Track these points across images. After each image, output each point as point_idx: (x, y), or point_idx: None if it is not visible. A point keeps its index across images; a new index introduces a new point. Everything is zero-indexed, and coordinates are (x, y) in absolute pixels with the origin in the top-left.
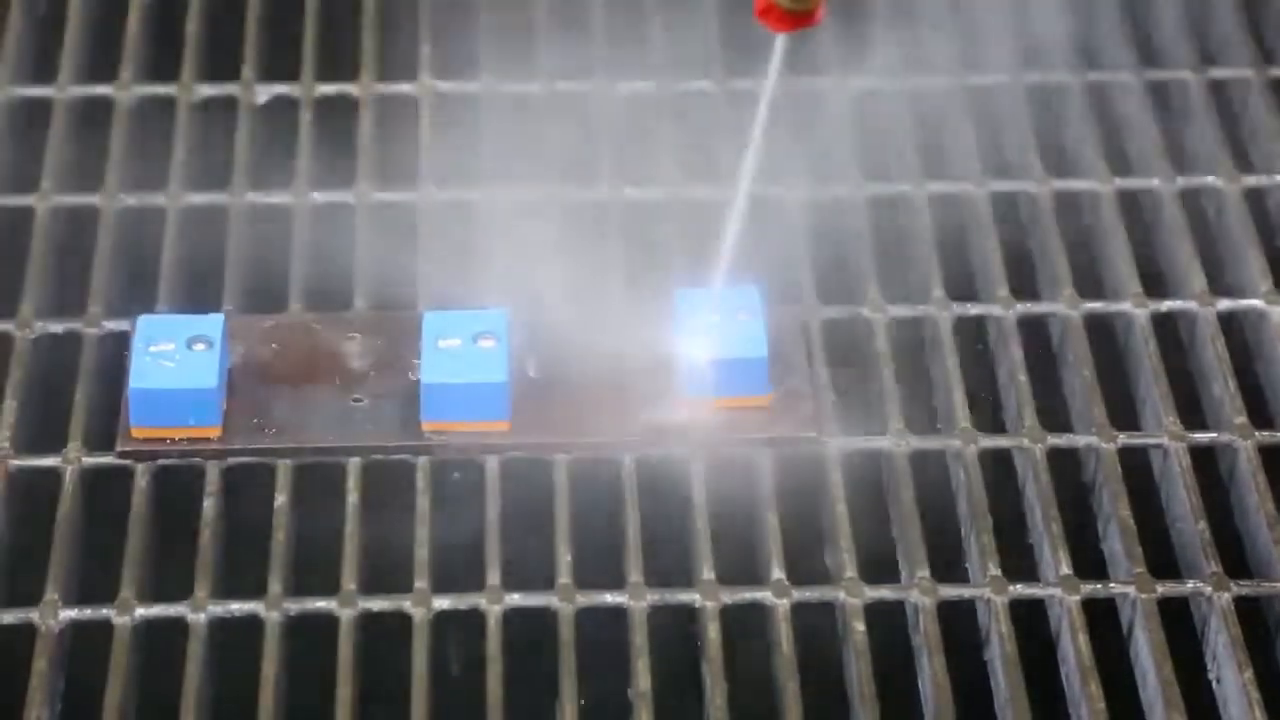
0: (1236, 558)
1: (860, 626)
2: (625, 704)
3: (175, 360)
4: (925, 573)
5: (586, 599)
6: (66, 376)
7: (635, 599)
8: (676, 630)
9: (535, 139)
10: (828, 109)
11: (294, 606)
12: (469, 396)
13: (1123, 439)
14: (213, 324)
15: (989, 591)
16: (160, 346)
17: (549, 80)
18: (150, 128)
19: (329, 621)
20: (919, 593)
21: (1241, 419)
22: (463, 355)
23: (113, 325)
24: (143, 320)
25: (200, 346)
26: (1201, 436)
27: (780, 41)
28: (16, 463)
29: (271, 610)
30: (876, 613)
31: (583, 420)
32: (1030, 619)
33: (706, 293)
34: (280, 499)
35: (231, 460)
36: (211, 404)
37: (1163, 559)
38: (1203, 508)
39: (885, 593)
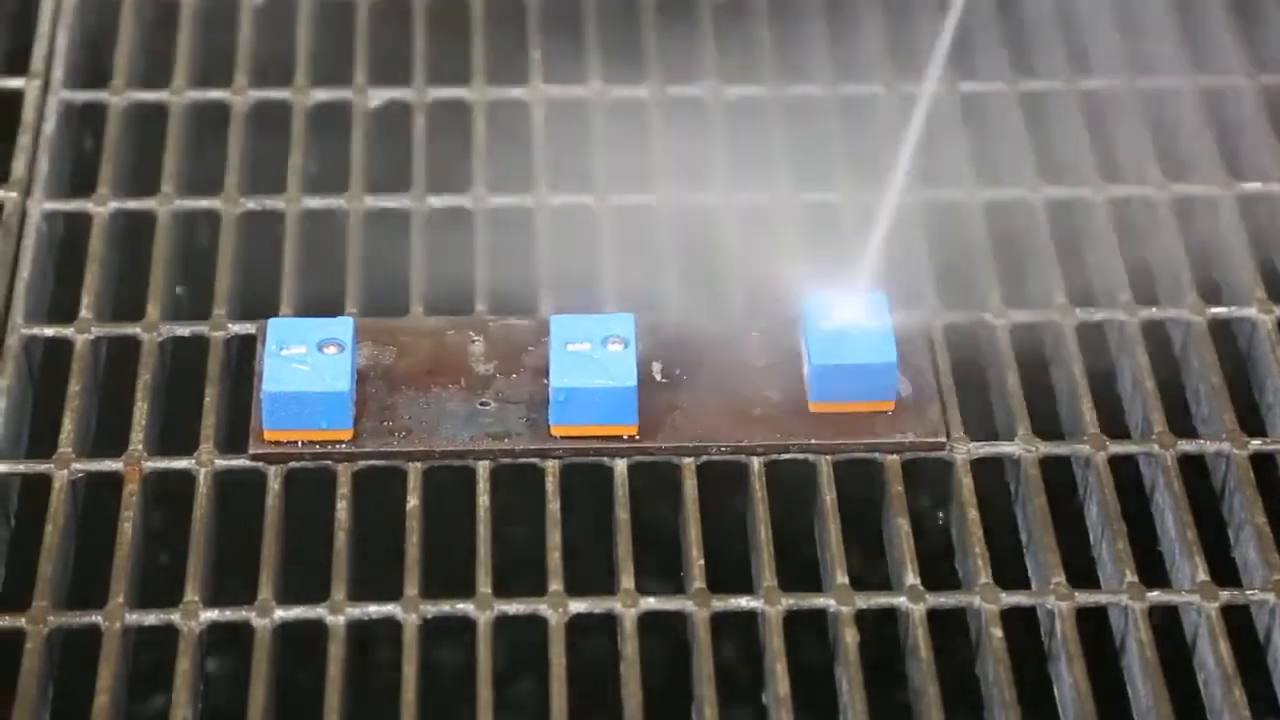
0: None
1: (998, 632)
2: (760, 709)
3: (308, 364)
4: (1060, 578)
5: (721, 603)
6: (193, 379)
7: (770, 603)
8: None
9: (647, 143)
10: (940, 115)
11: (431, 609)
12: (599, 400)
13: (1254, 445)
14: (343, 326)
15: (1126, 598)
16: (292, 350)
17: (660, 85)
18: (265, 132)
19: (466, 623)
20: (1055, 599)
21: None
22: (592, 359)
23: (237, 328)
24: (274, 323)
25: (331, 349)
26: None
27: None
28: (150, 464)
29: (409, 612)
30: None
31: (710, 424)
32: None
33: (833, 298)
34: (412, 502)
35: (362, 463)
36: (344, 407)
37: None
38: None
39: (1021, 598)
